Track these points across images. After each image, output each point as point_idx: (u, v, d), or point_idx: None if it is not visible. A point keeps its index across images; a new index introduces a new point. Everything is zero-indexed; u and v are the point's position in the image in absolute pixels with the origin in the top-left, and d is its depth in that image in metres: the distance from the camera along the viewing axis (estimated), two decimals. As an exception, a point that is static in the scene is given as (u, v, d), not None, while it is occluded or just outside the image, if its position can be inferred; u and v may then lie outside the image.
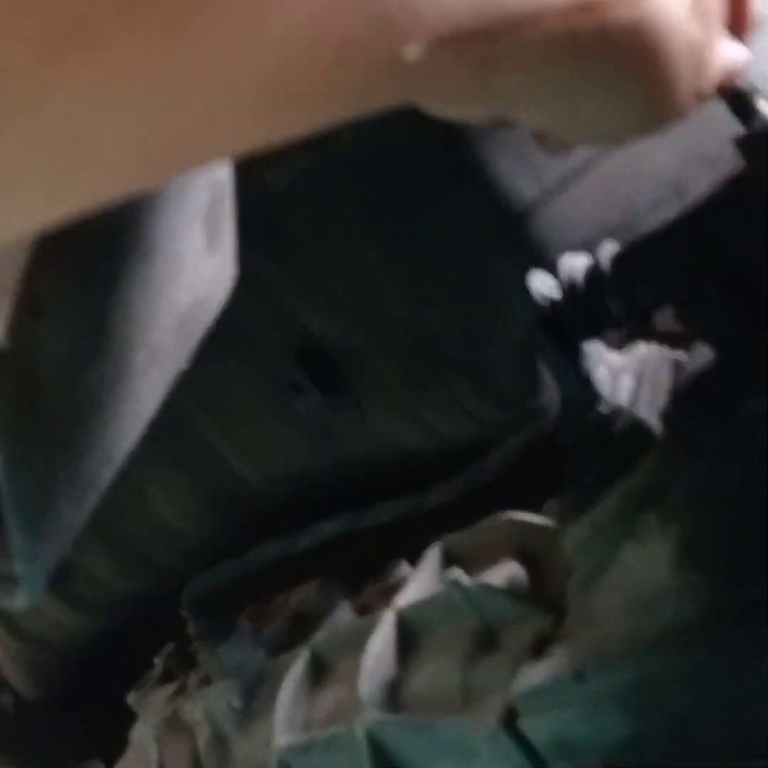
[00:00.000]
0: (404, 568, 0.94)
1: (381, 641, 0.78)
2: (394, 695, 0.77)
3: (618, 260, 0.57)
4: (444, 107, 0.37)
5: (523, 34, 0.26)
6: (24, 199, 0.20)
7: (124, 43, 0.17)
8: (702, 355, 0.59)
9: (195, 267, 0.50)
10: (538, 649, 0.66)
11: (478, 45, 0.24)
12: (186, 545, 1.16)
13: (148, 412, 0.53)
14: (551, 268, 0.62)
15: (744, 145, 0.51)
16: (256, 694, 0.98)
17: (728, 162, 0.77)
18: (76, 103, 0.17)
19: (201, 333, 0.53)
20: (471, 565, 0.79)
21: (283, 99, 0.20)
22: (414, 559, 0.86)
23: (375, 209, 0.82)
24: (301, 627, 0.99)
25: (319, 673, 0.90)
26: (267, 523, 1.06)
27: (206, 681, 1.05)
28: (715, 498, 0.54)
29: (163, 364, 0.49)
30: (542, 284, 0.62)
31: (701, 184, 0.78)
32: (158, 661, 1.22)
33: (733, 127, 0.50)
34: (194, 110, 0.19)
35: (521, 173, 0.77)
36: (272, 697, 0.90)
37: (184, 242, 0.48)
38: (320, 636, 0.91)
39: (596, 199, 0.79)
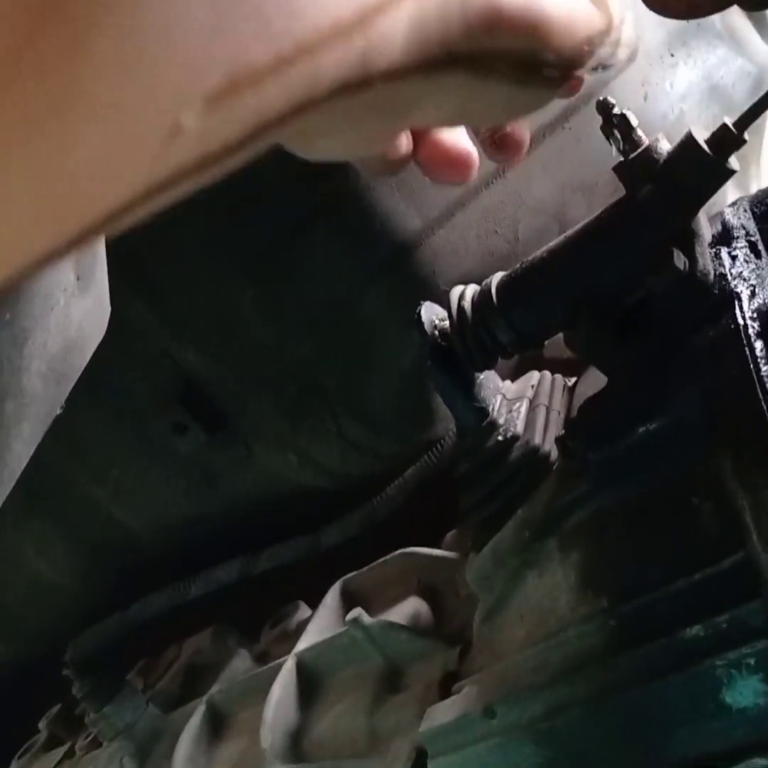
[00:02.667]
0: (303, 610, 0.91)
1: (281, 689, 0.75)
2: (297, 744, 0.74)
3: (501, 288, 0.57)
4: (326, 146, 0.36)
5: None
6: None
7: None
8: (595, 380, 0.59)
9: (66, 308, 0.46)
10: (446, 685, 0.65)
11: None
12: (67, 601, 1.10)
13: (19, 464, 0.49)
14: (440, 299, 0.61)
15: (623, 172, 0.51)
16: (150, 754, 0.93)
17: (604, 189, 0.80)
18: None
19: (74, 377, 0.50)
20: (373, 604, 0.77)
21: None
22: (313, 601, 0.84)
23: (240, 242, 0.80)
24: (196, 679, 0.95)
25: (217, 726, 0.86)
26: (154, 572, 1.02)
27: (96, 744, 0.99)
28: (602, 518, 0.54)
29: (34, 411, 0.46)
30: (432, 314, 0.61)
31: (580, 211, 0.80)
32: (43, 725, 1.15)
33: (609, 156, 0.51)
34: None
35: (404, 205, 0.77)
36: (168, 756, 0.85)
37: (52, 282, 0.44)
38: (217, 687, 0.87)
39: (480, 229, 0.80)
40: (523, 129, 0.43)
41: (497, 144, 0.43)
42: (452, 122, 0.39)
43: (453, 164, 0.42)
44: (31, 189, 0.20)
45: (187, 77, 0.21)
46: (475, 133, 0.43)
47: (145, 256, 0.81)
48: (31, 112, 0.19)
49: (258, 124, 0.24)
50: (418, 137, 0.42)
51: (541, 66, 0.34)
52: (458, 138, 0.42)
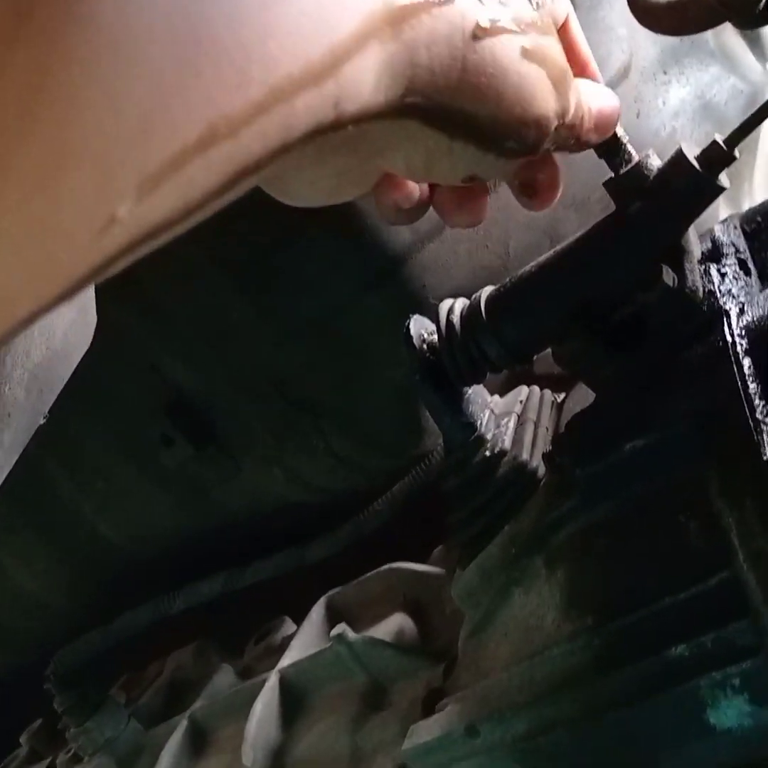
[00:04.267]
0: (288, 625, 0.91)
1: (264, 705, 0.74)
2: (279, 762, 0.73)
3: (490, 303, 0.57)
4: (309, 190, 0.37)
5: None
6: None
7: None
8: (583, 396, 0.59)
9: (50, 317, 0.46)
10: (429, 703, 0.64)
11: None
12: (49, 613, 1.09)
13: (1, 473, 0.48)
14: (429, 312, 0.61)
15: (613, 187, 0.51)
16: (131, 770, 0.92)
17: (596, 206, 0.80)
18: None
19: (58, 387, 0.49)
20: (358, 620, 0.76)
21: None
22: (299, 616, 0.83)
23: (230, 253, 0.79)
24: (178, 694, 0.94)
25: (199, 742, 0.85)
26: (138, 586, 1.01)
27: (76, 759, 0.97)
28: (588, 535, 0.54)
29: (15, 421, 0.45)
30: (421, 328, 0.61)
31: (571, 227, 0.80)
32: (24, 740, 1.14)
33: (601, 172, 0.51)
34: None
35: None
36: (149, 772, 0.84)
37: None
38: (199, 703, 0.86)
39: (471, 243, 0.79)
40: (555, 174, 0.43)
41: (528, 191, 0.43)
42: (421, 176, 0.40)
43: (462, 207, 0.42)
44: None
45: (124, 164, 0.22)
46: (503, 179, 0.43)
47: (135, 265, 0.80)
48: None
49: (236, 171, 0.24)
50: (432, 184, 0.42)
51: (502, 136, 0.35)
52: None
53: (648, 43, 0.82)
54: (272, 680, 0.76)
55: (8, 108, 0.19)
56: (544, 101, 0.36)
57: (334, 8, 0.26)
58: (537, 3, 0.36)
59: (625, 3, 0.59)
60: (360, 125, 0.29)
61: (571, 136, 0.41)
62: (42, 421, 0.51)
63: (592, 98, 0.42)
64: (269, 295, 0.81)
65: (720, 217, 0.64)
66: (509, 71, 0.34)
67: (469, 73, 0.32)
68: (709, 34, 0.86)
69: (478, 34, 0.31)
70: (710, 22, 0.53)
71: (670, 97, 0.83)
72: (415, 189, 0.42)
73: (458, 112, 0.33)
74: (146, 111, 0.21)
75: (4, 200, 0.20)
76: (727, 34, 0.88)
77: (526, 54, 0.34)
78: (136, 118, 0.21)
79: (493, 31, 0.32)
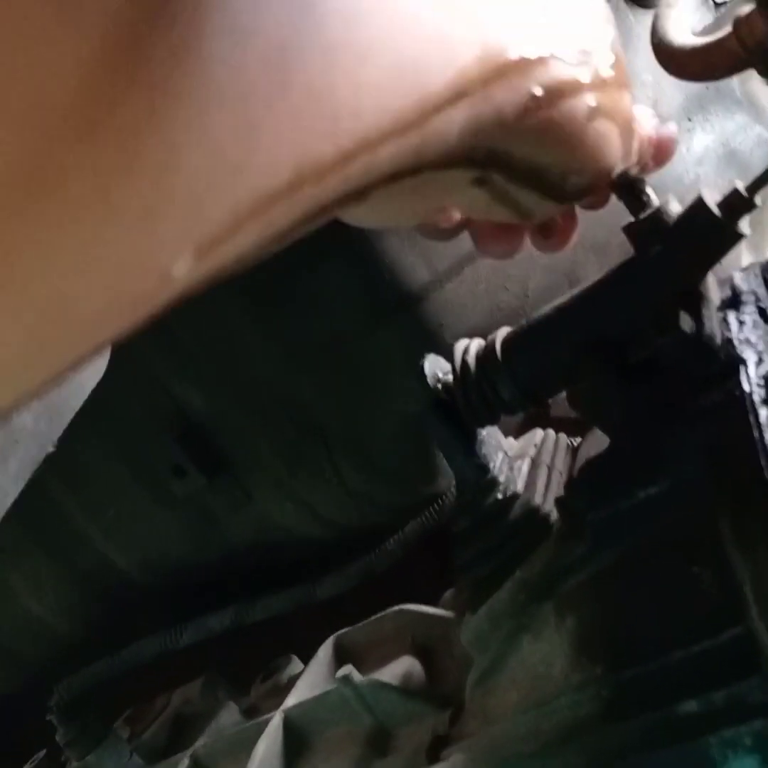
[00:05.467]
0: (295, 664, 0.89)
1: (267, 746, 0.73)
2: (281, 804, 0.72)
3: (506, 344, 0.56)
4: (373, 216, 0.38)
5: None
6: (2, 373, 0.20)
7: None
8: (599, 441, 0.58)
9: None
10: (434, 750, 0.63)
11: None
12: (56, 641, 1.08)
13: (6, 500, 0.48)
14: (445, 352, 0.61)
15: (633, 232, 0.51)
16: (132, 806, 0.90)
17: (617, 250, 0.80)
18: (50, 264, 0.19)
19: (69, 415, 0.49)
20: (365, 661, 0.75)
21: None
22: (307, 653, 0.82)
23: (247, 278, 0.79)
24: (182, 730, 0.93)
25: (201, 781, 0.84)
26: (146, 617, 1.00)
27: (79, 792, 0.96)
28: (598, 582, 0.53)
29: (23, 448, 0.45)
30: (435, 367, 0.60)
31: (591, 270, 0.79)
32: (27, 771, 1.13)
33: (621, 217, 0.51)
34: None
35: (413, 257, 0.77)
36: (150, 809, 0.83)
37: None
38: (203, 740, 0.85)
39: (490, 283, 0.79)
40: (572, 218, 0.44)
41: (544, 232, 0.43)
42: (479, 215, 0.40)
43: (500, 237, 0.43)
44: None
45: (216, 205, 0.22)
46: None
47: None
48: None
49: (314, 213, 0.25)
50: None
51: (568, 186, 0.35)
52: None
53: (673, 90, 0.82)
54: (276, 720, 0.74)
55: (117, 148, 0.20)
56: (612, 155, 0.37)
57: (428, 62, 0.26)
58: (615, 55, 0.36)
59: (651, 49, 0.60)
60: (436, 172, 0.30)
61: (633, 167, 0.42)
62: (51, 450, 0.51)
63: (650, 130, 0.43)
64: (283, 322, 0.81)
65: (742, 264, 0.63)
66: (586, 128, 0.34)
67: (549, 129, 0.33)
68: (735, 82, 0.86)
69: (560, 92, 0.32)
70: (734, 68, 0.53)
71: (694, 144, 0.83)
72: (457, 213, 0.42)
73: (532, 165, 0.34)
74: (242, 155, 0.22)
75: (103, 235, 0.20)
76: (754, 82, 0.88)
77: (602, 110, 0.35)
78: (232, 162, 0.22)
79: (574, 88, 0.33)
